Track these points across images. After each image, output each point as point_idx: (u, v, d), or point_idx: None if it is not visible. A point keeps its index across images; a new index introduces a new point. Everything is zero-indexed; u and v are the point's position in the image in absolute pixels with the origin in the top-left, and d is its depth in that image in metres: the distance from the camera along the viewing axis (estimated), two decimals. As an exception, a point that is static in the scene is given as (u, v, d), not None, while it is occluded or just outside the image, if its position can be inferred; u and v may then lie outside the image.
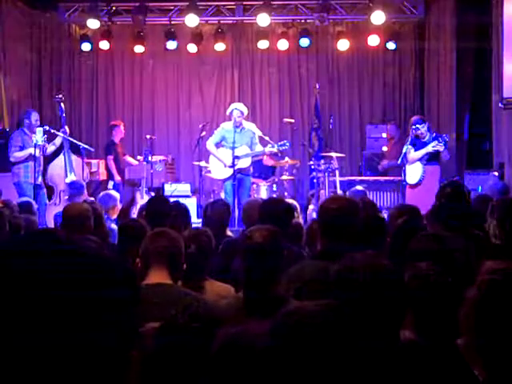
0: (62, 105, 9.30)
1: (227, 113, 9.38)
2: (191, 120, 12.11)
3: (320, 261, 3.27)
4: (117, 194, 6.92)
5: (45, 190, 8.75)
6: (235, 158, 9.00)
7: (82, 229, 4.25)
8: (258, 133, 9.47)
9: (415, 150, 8.38)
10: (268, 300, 2.76)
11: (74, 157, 9.06)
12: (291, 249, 4.04)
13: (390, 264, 2.23)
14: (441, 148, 8.20)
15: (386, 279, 2.11)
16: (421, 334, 2.21)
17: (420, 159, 8.30)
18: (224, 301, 2.99)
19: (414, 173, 8.34)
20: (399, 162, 8.63)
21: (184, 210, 5.15)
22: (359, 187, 8.65)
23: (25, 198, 7.05)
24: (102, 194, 7.19)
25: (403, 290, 2.14)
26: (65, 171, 8.86)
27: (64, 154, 8.93)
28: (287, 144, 9.43)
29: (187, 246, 3.50)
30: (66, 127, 9.07)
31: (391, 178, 9.76)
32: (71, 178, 8.70)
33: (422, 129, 8.37)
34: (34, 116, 8.82)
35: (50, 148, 8.84)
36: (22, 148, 8.55)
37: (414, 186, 8.34)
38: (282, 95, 12.25)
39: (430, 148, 8.24)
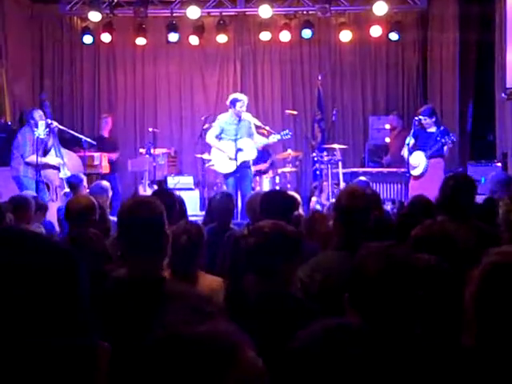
0: (48, 102, 9.27)
1: (227, 103, 9.11)
2: (193, 112, 12.09)
3: (343, 251, 3.24)
4: (108, 184, 6.90)
5: (45, 186, 8.73)
6: (239, 150, 8.78)
7: (86, 222, 4.24)
8: (256, 122, 9.23)
9: (418, 142, 8.36)
10: (267, 297, 2.75)
11: (64, 150, 8.99)
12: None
13: (406, 253, 2.21)
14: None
15: (400, 268, 2.09)
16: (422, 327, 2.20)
17: (424, 151, 8.27)
18: (216, 296, 2.97)
19: (418, 164, 8.31)
20: (402, 153, 8.62)
21: (179, 201, 5.12)
22: (362, 178, 8.65)
23: (32, 193, 7.03)
24: (93, 184, 7.20)
25: (418, 279, 2.12)
26: (58, 166, 8.81)
27: (55, 150, 8.85)
28: (290, 133, 9.33)
29: (177, 236, 3.48)
30: (54, 122, 8.94)
31: (394, 169, 9.74)
32: (65, 172, 8.64)
33: (429, 120, 8.32)
34: (37, 113, 8.76)
35: (50, 142, 8.88)
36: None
37: (417, 178, 8.33)
38: (284, 87, 12.23)
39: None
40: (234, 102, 8.89)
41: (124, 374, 1.55)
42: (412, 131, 8.42)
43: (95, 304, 2.30)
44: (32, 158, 8.42)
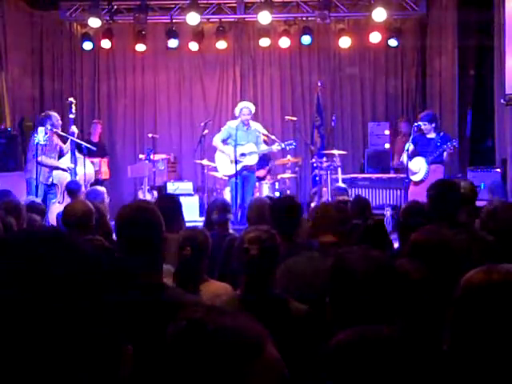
0: (74, 107, 9.24)
1: (235, 111, 9.45)
2: (193, 118, 12.11)
3: (313, 252, 3.36)
4: (104, 189, 6.86)
5: (57, 190, 8.75)
6: (242, 154, 9.16)
7: (83, 227, 4.24)
8: (264, 132, 9.61)
9: (418, 147, 8.37)
10: (266, 301, 2.81)
11: (80, 157, 9.03)
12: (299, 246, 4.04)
13: (384, 256, 2.24)
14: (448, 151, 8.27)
15: (380, 270, 2.11)
16: (404, 330, 2.20)
17: (425, 157, 8.28)
18: (218, 299, 3.01)
19: (418, 170, 8.32)
20: (401, 159, 8.64)
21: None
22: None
23: (31, 198, 7.04)
24: (88, 189, 7.19)
25: (397, 282, 2.14)
26: (70, 171, 8.85)
27: (70, 155, 8.91)
28: (294, 144, 9.57)
29: (182, 246, 3.48)
30: (74, 127, 9.01)
31: (394, 175, 9.76)
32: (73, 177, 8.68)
33: (429, 126, 8.32)
34: (55, 118, 8.77)
35: (66, 148, 8.95)
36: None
37: (417, 184, 8.33)
38: (283, 93, 12.25)
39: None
40: (239, 111, 9.34)
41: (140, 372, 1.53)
42: (411, 137, 8.44)
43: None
44: (43, 159, 8.48)
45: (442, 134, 8.42)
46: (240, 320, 1.24)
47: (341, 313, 2.06)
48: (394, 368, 1.29)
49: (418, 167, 8.30)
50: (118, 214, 2.60)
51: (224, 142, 9.38)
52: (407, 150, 8.38)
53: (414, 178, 8.38)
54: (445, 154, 8.26)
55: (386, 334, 1.34)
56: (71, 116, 9.10)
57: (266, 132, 9.66)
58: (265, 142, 9.63)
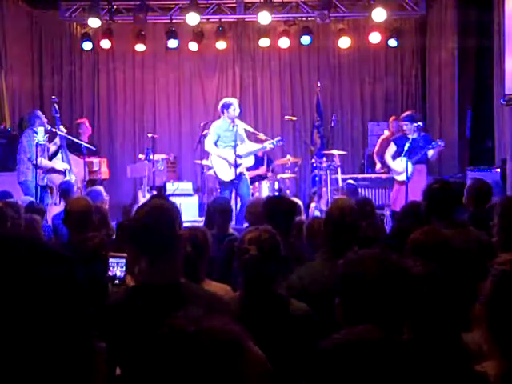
0: (56, 106, 9.21)
1: (219, 108, 8.99)
2: (192, 118, 12.11)
3: (328, 260, 3.33)
4: (102, 189, 6.83)
5: (50, 192, 8.74)
6: (238, 157, 8.73)
7: (85, 224, 4.24)
8: (249, 128, 9.21)
9: (401, 148, 8.48)
10: (266, 301, 2.80)
11: (71, 156, 9.03)
12: (293, 246, 4.05)
13: (396, 257, 2.23)
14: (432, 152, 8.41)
15: (392, 272, 2.10)
16: (412, 330, 2.20)
17: (408, 157, 8.37)
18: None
19: (402, 170, 8.41)
20: (385, 159, 8.85)
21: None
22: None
23: (30, 198, 7.05)
24: (88, 190, 7.18)
25: (410, 283, 2.13)
26: (63, 171, 8.83)
27: (62, 154, 8.89)
28: (281, 140, 9.21)
29: (183, 244, 3.47)
30: (62, 127, 9.00)
31: (393, 175, 9.78)
32: (70, 177, 8.67)
33: (411, 126, 8.44)
34: (37, 115, 8.80)
35: (52, 148, 8.91)
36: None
37: (401, 183, 8.44)
38: (283, 93, 12.25)
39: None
40: (226, 108, 8.79)
41: (137, 370, 1.55)
42: (394, 138, 8.65)
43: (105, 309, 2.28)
44: (40, 161, 8.44)
45: (422, 134, 8.56)
46: (219, 321, 1.28)
47: (352, 314, 2.05)
48: (381, 373, 1.29)
49: (403, 167, 8.38)
50: (135, 215, 2.55)
51: (214, 144, 8.85)
52: (403, 151, 8.47)
53: (399, 178, 8.54)
54: (431, 152, 8.36)
55: (371, 338, 1.34)
56: (57, 115, 9.06)
57: (251, 129, 9.27)
58: (258, 140, 9.44)
